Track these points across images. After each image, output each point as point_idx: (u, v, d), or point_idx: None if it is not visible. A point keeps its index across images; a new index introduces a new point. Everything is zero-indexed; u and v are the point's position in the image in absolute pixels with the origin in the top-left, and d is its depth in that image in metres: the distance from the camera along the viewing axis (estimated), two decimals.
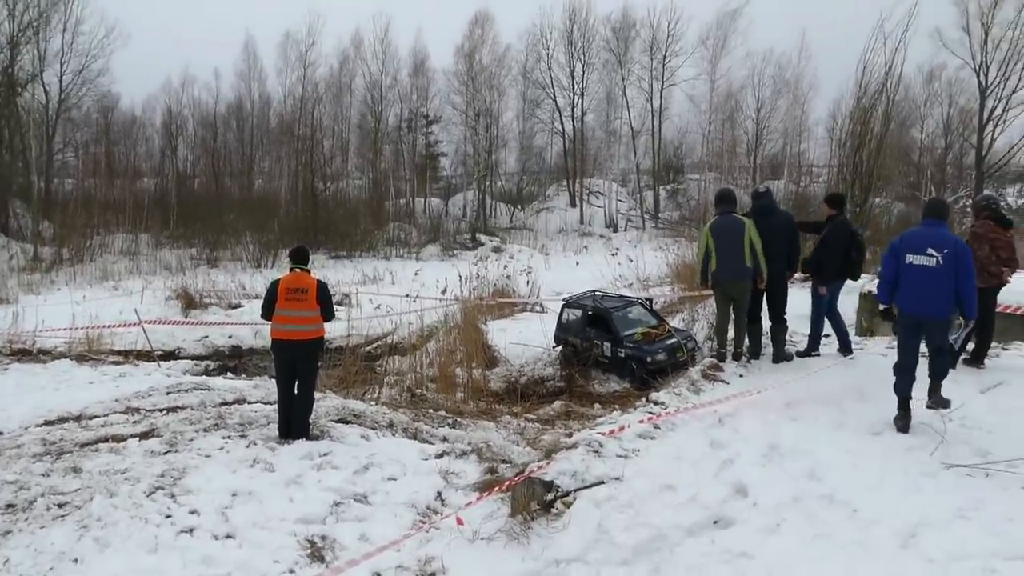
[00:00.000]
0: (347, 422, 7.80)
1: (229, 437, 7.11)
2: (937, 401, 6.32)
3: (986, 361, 7.86)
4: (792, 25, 65.89)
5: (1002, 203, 21.35)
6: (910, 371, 6.20)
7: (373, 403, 9.38)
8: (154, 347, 14.27)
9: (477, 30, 40.88)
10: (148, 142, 44.94)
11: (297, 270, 7.24)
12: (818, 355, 8.45)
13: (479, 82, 40.49)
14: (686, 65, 40.46)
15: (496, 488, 5.14)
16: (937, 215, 6.27)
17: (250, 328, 15.58)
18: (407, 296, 15.59)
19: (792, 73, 39.04)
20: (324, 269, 26.57)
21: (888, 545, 4.36)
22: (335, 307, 7.56)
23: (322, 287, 7.21)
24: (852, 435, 6.03)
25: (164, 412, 8.15)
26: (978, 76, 33.61)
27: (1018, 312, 9.63)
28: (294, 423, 7.09)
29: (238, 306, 19.19)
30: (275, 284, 7.21)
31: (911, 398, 6.22)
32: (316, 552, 4.93)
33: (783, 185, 34.50)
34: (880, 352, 8.56)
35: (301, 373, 7.13)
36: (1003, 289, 8.05)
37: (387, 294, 17.87)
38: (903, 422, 6.16)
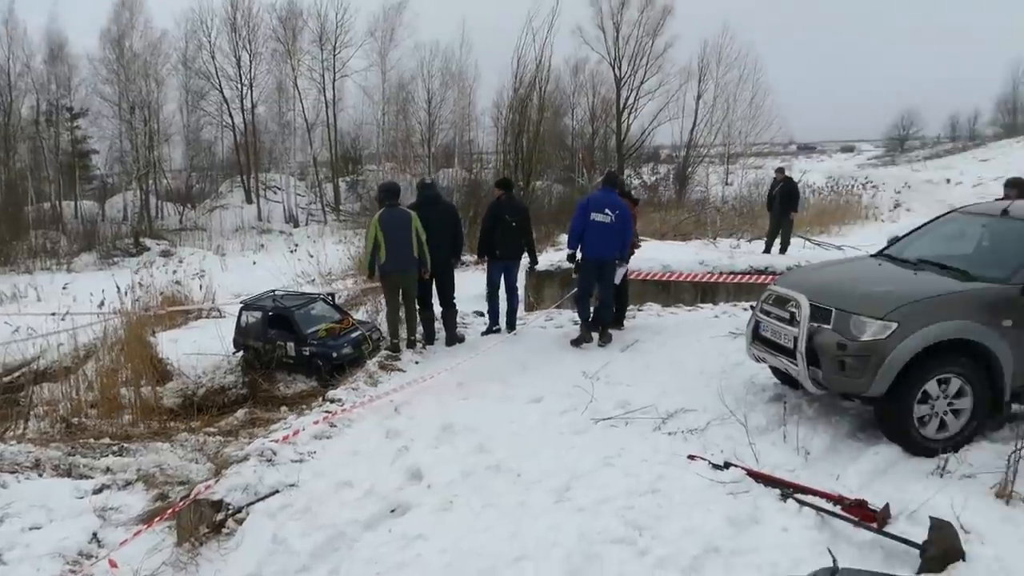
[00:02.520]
0: None
1: None
2: (605, 339, 8.35)
3: (625, 323, 8.97)
4: (454, 19, 68.92)
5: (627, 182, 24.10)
6: (587, 299, 8.44)
7: (14, 442, 8.12)
8: None
9: (125, 13, 36.74)
10: None
11: None
12: (499, 329, 8.97)
13: (132, 71, 36.45)
14: (356, 56, 40.32)
15: (159, 518, 4.74)
16: (611, 183, 8.59)
17: None
18: (54, 314, 13.71)
19: (457, 65, 40.72)
20: None
21: (546, 502, 4.78)
22: None
23: None
24: (516, 406, 6.53)
25: None
26: (614, 69, 38.12)
27: (649, 278, 11.08)
28: None
29: None
30: None
31: (590, 320, 8.44)
32: None
33: (456, 172, 36.11)
34: (540, 325, 9.36)
35: None
36: (633, 258, 9.28)
37: (30, 313, 15.53)
38: (588, 336, 8.37)
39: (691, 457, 5.29)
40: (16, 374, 11.81)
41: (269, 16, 39.60)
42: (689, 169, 36.76)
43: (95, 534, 5.12)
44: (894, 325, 5.03)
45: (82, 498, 5.90)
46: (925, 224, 6.75)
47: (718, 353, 7.62)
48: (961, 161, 41.58)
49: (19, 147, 37.35)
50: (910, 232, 6.79)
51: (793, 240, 14.82)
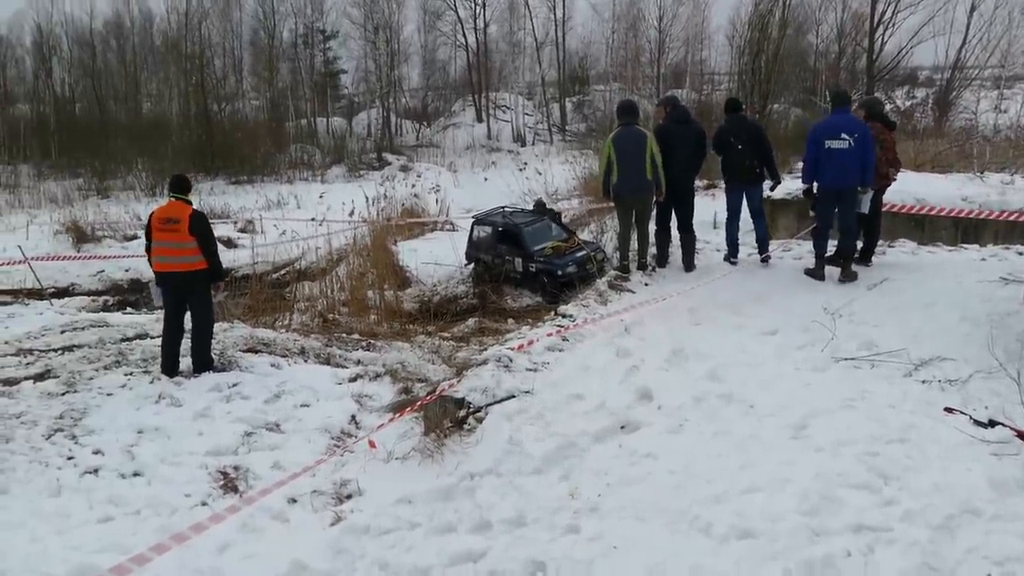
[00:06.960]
0: (256, 351, 7.65)
1: (131, 374, 6.87)
2: (847, 275, 7.65)
3: (873, 259, 8.28)
4: None
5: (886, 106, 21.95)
6: (826, 234, 7.76)
7: (283, 330, 9.21)
8: (45, 284, 13.53)
9: None
10: (19, 64, 41.46)
11: (172, 199, 6.82)
12: (735, 262, 8.60)
13: None
14: None
15: (409, 408, 5.18)
16: (844, 103, 7.61)
17: None
18: (313, 220, 15.22)
19: None
20: (225, 196, 25.51)
21: (781, 437, 4.62)
22: (219, 243, 7.11)
23: (196, 218, 6.73)
24: (750, 336, 6.31)
25: (59, 352, 7.76)
26: None
27: (903, 211, 10.10)
28: (194, 357, 6.90)
29: (134, 237, 18.29)
30: (151, 215, 6.90)
31: (827, 255, 7.85)
32: (229, 483, 4.89)
33: (686, 94, 34.73)
34: (776, 256, 8.90)
35: (191, 307, 6.87)
36: (888, 189, 8.47)
37: (292, 219, 17.38)
38: (820, 272, 7.79)
39: (948, 409, 4.84)
40: (283, 271, 13.37)
41: None
42: (953, 93, 32.54)
43: (353, 416, 5.74)
44: None
45: (340, 384, 6.61)
46: None
47: (985, 299, 6.82)
48: None
49: (281, 67, 41.11)
50: None
51: None
